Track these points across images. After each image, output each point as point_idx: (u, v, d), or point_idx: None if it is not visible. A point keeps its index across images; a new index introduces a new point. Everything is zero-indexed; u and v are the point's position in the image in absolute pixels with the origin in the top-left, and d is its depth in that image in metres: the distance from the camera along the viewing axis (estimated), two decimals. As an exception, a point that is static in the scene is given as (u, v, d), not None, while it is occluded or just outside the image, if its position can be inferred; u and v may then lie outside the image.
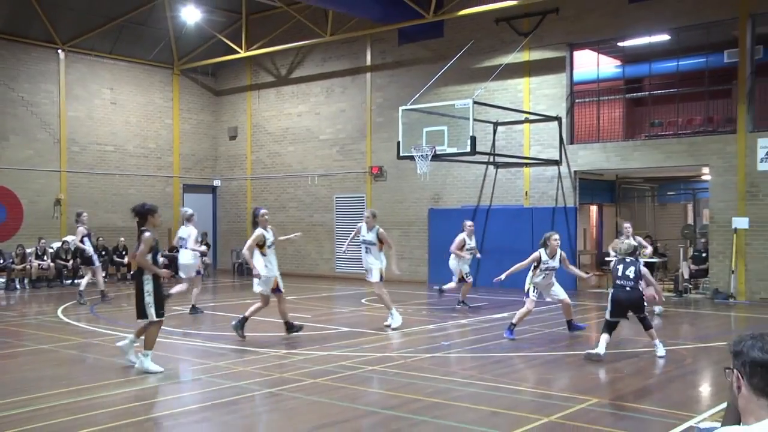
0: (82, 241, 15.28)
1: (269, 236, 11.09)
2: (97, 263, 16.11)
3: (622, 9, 17.70)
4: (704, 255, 16.96)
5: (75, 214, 16.30)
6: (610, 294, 9.45)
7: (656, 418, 6.56)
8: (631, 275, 9.29)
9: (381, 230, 11.90)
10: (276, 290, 10.77)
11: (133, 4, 22.25)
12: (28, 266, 19.39)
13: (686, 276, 16.89)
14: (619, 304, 9.29)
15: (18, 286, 19.08)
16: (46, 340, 11.29)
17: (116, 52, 23.19)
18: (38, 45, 21.47)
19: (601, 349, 9.04)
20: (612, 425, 6.30)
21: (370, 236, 11.82)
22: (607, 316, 9.44)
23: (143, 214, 8.66)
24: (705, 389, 8.09)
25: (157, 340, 8.63)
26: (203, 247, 14.63)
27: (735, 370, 2.78)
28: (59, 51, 21.83)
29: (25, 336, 11.81)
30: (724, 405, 4.21)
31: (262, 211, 11.30)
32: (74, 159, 22.24)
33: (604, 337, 9.21)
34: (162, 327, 8.82)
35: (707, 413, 6.66)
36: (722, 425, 2.94)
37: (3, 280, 19.15)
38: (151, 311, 8.39)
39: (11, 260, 19.21)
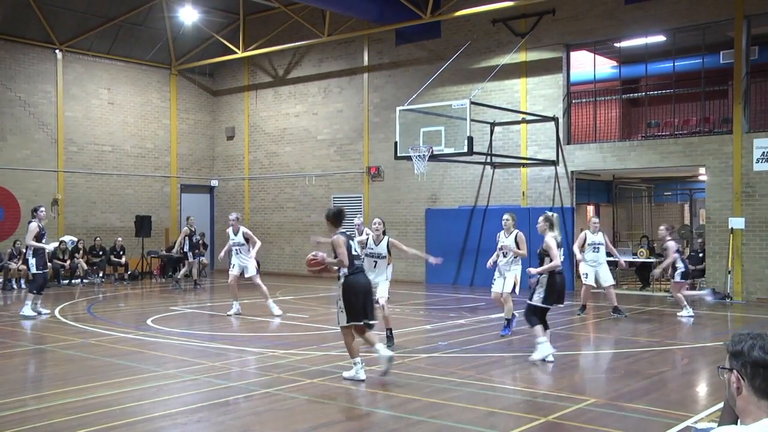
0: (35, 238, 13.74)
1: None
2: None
3: (618, 10, 17.74)
4: (701, 255, 17.00)
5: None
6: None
7: (653, 418, 6.58)
8: None
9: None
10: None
11: (131, 5, 22.24)
12: (25, 266, 19.34)
13: (683, 276, 16.90)
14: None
15: (15, 286, 19.07)
16: (43, 340, 11.29)
17: (114, 53, 23.18)
18: (36, 45, 21.45)
19: None
20: (609, 425, 6.31)
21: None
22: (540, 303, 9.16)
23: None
24: (702, 389, 8.12)
25: (156, 340, 8.62)
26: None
27: (735, 371, 2.71)
28: (57, 51, 21.81)
29: (21, 336, 11.80)
30: (720, 405, 4.23)
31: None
32: (71, 159, 22.22)
33: None
34: (159, 327, 8.82)
35: (704, 413, 6.68)
36: (719, 425, 2.91)
37: (0, 280, 19.13)
38: None
39: (11, 259, 19.21)
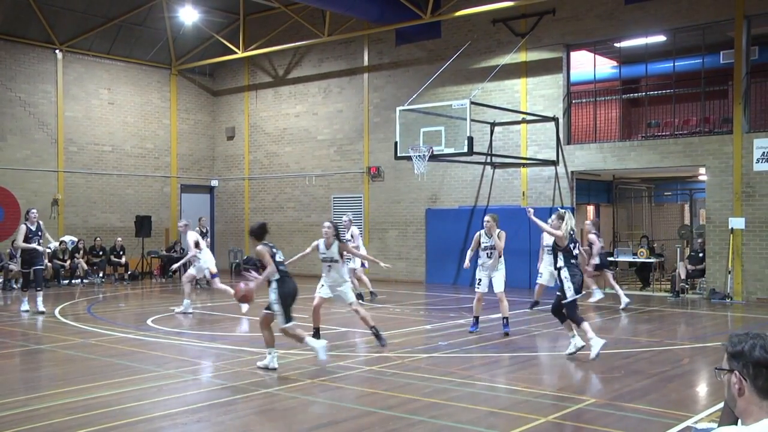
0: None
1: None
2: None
3: (618, 10, 17.74)
4: (701, 255, 17.00)
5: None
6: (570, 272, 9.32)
7: (653, 418, 6.58)
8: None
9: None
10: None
11: (131, 5, 22.24)
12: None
13: (683, 276, 16.93)
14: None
15: (15, 286, 19.06)
16: (43, 340, 11.29)
17: (114, 53, 23.18)
18: (36, 45, 21.46)
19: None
20: (609, 425, 6.31)
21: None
22: (573, 295, 9.26)
23: None
24: (702, 389, 8.12)
25: (156, 340, 8.62)
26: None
27: (736, 373, 2.68)
28: (57, 51, 21.81)
29: (22, 336, 11.81)
30: (721, 405, 4.23)
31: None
32: (72, 159, 22.23)
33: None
34: (159, 327, 8.82)
35: (704, 413, 6.68)
36: (719, 425, 2.91)
37: (0, 280, 19.13)
38: None
39: (11, 259, 19.21)
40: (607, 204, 23.16)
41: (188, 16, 21.65)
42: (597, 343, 8.96)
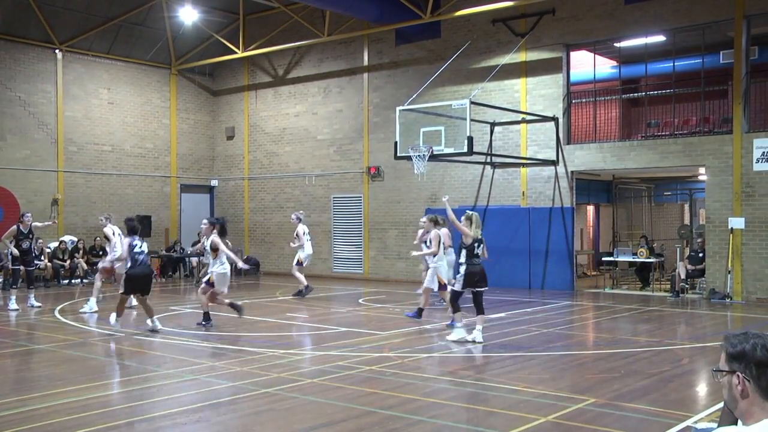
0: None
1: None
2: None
3: (618, 10, 17.74)
4: (701, 255, 17.00)
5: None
6: (466, 268, 10.37)
7: (653, 418, 6.58)
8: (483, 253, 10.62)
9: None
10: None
11: (131, 5, 22.24)
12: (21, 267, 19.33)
13: (683, 276, 16.93)
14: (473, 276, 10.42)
15: (15, 286, 19.01)
16: (43, 340, 11.29)
17: (114, 52, 23.18)
18: (36, 45, 21.45)
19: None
20: (609, 425, 6.32)
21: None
22: (459, 288, 10.54)
23: None
24: (702, 389, 8.12)
25: (155, 340, 8.62)
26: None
27: (738, 374, 2.64)
28: (57, 51, 21.80)
29: (22, 336, 11.80)
30: (720, 405, 4.23)
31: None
32: (71, 159, 22.22)
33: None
34: (162, 327, 8.78)
35: (704, 413, 6.69)
36: (719, 425, 2.90)
37: (0, 279, 19.12)
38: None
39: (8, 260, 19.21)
40: (607, 204, 23.17)
41: (188, 15, 21.65)
42: (459, 333, 10.35)
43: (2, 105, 20.72)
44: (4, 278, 19.11)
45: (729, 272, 16.08)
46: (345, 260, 22.65)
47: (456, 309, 10.65)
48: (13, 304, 14.33)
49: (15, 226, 14.74)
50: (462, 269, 10.42)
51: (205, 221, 12.31)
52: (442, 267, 12.60)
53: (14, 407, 6.91)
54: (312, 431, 6.26)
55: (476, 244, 10.45)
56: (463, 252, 10.45)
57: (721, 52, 17.64)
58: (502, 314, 13.61)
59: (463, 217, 10.61)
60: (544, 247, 18.61)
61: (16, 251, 14.67)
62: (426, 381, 8.00)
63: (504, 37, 19.25)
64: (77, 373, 8.64)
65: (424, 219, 13.53)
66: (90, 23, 22.09)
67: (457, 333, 10.42)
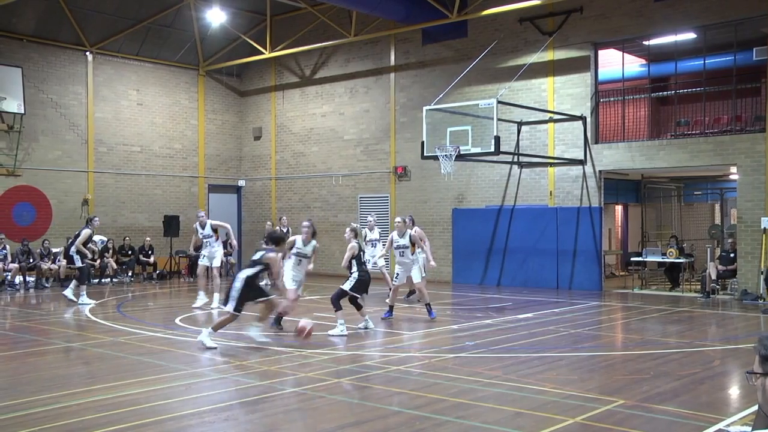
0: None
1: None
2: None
3: (647, 7, 17.54)
4: (732, 255, 16.75)
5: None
6: (359, 275, 11.19)
7: (684, 421, 6.49)
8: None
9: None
10: None
11: (160, 7, 22.48)
12: (55, 266, 19.67)
13: (714, 277, 16.68)
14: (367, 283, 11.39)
15: (47, 285, 19.36)
16: (74, 338, 11.45)
17: (143, 54, 23.44)
18: (67, 47, 21.77)
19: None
20: (638, 427, 6.24)
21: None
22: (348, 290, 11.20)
23: None
24: (734, 392, 7.99)
25: (184, 339, 8.68)
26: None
27: None
28: (87, 53, 22.11)
29: (53, 334, 11.97)
30: (754, 408, 4.16)
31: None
32: (101, 159, 22.51)
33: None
34: (187, 326, 8.88)
35: (737, 416, 6.58)
36: (753, 429, 2.86)
37: (33, 279, 19.44)
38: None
39: (42, 259, 19.53)
40: (636, 204, 22.93)
41: (215, 17, 21.83)
42: (340, 329, 10.86)
43: (35, 107, 21.05)
44: (37, 276, 19.42)
45: (762, 273, 15.81)
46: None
47: (337, 306, 11.14)
48: (85, 299, 15.35)
49: (89, 230, 15.71)
50: (355, 275, 11.19)
51: (398, 218, 13.75)
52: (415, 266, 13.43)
53: (47, 404, 7.01)
54: (339, 431, 6.27)
55: (362, 253, 11.43)
56: (354, 262, 11.28)
57: (754, 49, 17.30)
58: (530, 314, 13.53)
59: (347, 229, 11.61)
60: (572, 247, 18.46)
61: (88, 252, 16.22)
62: (453, 381, 7.98)
63: (531, 36, 19.14)
64: (107, 371, 8.75)
65: (399, 219, 13.92)
66: (119, 25, 22.37)
67: (339, 328, 10.97)
